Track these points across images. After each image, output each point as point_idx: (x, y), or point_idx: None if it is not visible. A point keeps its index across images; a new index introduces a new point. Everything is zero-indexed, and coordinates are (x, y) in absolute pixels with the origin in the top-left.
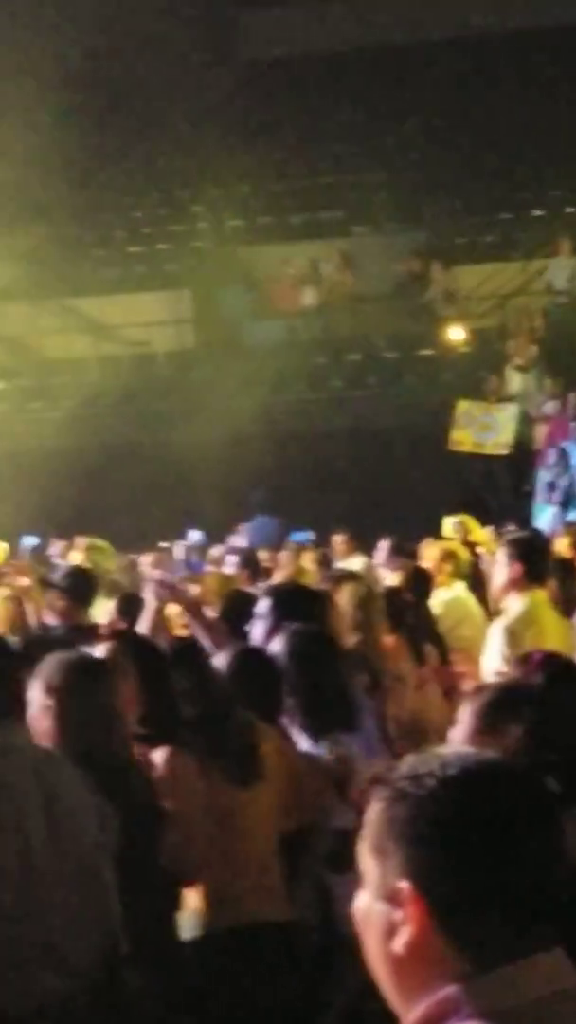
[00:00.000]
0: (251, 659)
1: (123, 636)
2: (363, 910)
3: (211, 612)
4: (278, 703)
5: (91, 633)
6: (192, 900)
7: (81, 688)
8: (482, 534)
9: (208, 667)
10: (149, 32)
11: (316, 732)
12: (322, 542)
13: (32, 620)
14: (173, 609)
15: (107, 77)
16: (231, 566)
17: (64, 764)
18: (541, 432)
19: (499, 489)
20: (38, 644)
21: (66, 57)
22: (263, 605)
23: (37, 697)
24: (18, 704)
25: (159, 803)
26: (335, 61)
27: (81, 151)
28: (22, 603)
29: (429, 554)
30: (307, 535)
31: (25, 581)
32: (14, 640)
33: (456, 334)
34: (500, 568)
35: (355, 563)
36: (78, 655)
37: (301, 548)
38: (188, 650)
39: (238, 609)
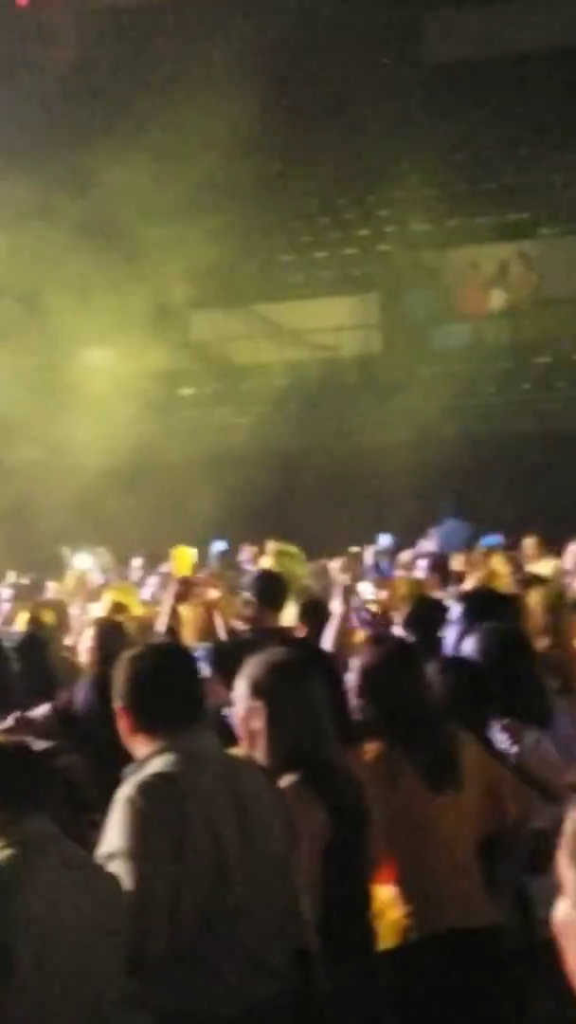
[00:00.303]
0: (454, 666)
1: (297, 643)
2: (564, 919)
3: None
4: (482, 709)
5: (280, 638)
6: (391, 907)
7: (289, 688)
8: None
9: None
10: (336, 35)
11: (514, 731)
12: (512, 546)
13: (221, 627)
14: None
15: (294, 81)
16: (421, 570)
17: (251, 768)
18: None
19: None
20: (228, 650)
21: (255, 64)
22: (455, 610)
23: (243, 698)
24: (203, 710)
25: (364, 804)
26: (521, 62)
27: (269, 157)
28: (212, 610)
29: None
30: (497, 538)
31: (215, 593)
32: (205, 646)
33: None
34: None
35: (545, 566)
36: (284, 655)
37: (491, 552)
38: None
39: (429, 614)
